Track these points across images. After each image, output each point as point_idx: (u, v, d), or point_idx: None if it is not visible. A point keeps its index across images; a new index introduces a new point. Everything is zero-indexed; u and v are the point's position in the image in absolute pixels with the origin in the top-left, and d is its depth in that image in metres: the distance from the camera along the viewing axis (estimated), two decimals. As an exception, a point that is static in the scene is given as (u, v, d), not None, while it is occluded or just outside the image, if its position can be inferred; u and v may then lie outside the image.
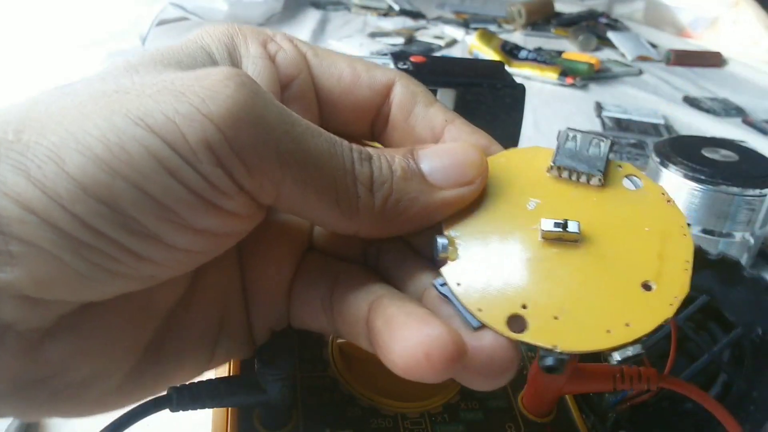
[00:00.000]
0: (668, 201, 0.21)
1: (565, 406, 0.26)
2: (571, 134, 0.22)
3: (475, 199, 0.21)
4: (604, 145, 0.22)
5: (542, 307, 0.19)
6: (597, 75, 1.04)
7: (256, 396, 0.23)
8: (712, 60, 1.20)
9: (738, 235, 0.46)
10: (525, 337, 0.19)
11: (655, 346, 0.32)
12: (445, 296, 0.20)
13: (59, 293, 0.16)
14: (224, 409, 0.24)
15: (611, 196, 0.21)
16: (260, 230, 0.21)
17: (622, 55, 1.20)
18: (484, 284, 0.19)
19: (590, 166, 0.21)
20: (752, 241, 0.47)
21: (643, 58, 1.19)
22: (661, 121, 0.86)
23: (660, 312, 0.19)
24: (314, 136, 0.18)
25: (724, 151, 0.48)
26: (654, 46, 1.26)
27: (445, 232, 0.21)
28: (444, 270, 0.20)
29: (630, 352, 0.19)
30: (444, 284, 0.20)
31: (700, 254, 0.33)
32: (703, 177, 0.45)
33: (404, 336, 0.17)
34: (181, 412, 0.22)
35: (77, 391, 0.18)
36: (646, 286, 0.19)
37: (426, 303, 0.20)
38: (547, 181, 0.22)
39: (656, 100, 0.96)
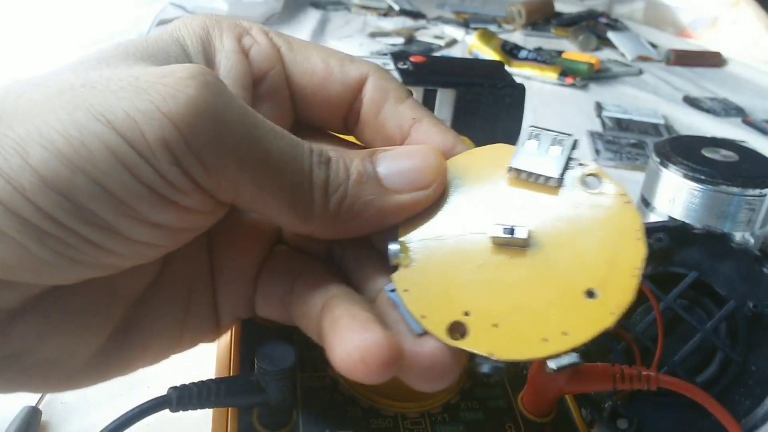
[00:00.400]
0: (626, 203, 0.20)
1: (565, 405, 0.27)
2: (534, 133, 0.22)
3: (433, 202, 0.21)
4: (566, 145, 0.21)
5: (483, 315, 0.19)
6: (597, 75, 1.04)
7: (256, 396, 0.23)
8: (712, 60, 1.20)
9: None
10: (463, 344, 0.19)
11: (647, 330, 0.32)
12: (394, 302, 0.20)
13: (25, 277, 0.16)
14: (224, 409, 0.24)
15: (568, 198, 0.21)
16: (231, 221, 0.21)
17: (622, 55, 1.20)
18: (431, 291, 0.19)
19: (548, 167, 0.21)
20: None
21: (643, 58, 1.19)
22: (661, 121, 0.86)
23: (599, 321, 0.18)
24: (276, 138, 0.18)
25: (724, 151, 0.47)
26: (654, 46, 1.26)
27: (400, 238, 0.20)
28: (394, 276, 0.20)
29: (565, 360, 0.18)
30: (394, 290, 0.20)
31: (685, 229, 0.33)
32: (703, 177, 0.44)
33: (345, 338, 0.18)
34: (181, 412, 0.22)
35: (46, 367, 0.19)
36: (590, 294, 0.19)
37: (379, 305, 0.20)
38: (506, 182, 0.21)
39: (656, 100, 0.96)
